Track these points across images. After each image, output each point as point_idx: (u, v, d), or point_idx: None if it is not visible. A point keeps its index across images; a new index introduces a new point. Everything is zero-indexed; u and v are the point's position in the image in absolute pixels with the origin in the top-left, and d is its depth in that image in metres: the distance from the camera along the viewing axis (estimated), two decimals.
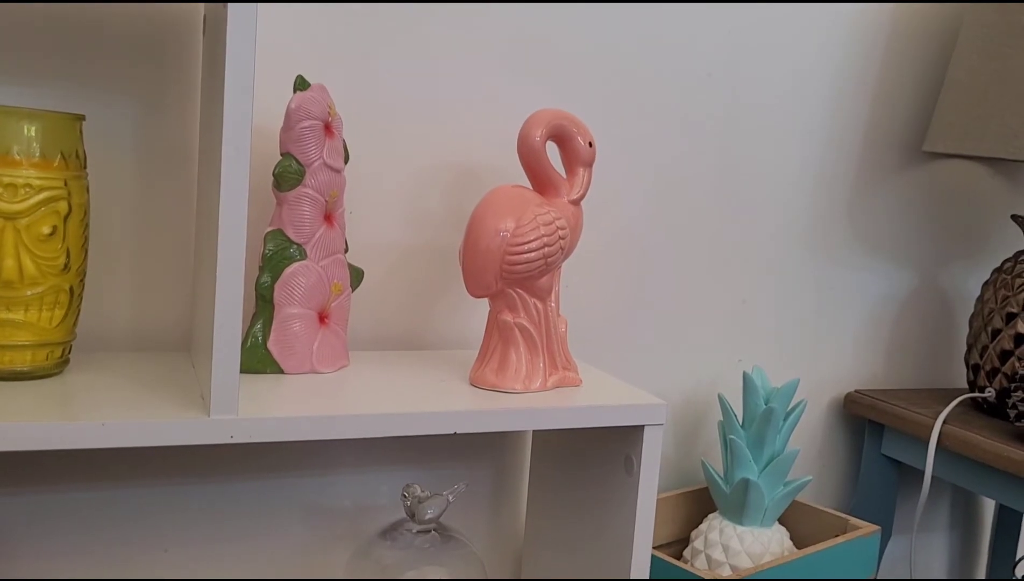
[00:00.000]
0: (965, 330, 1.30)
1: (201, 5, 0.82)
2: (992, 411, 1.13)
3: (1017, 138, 1.01)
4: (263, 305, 0.79)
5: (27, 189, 0.66)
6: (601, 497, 0.84)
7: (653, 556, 0.91)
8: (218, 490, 0.90)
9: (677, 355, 1.11)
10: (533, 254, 0.77)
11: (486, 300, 0.82)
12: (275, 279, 0.78)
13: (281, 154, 0.77)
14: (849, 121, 1.16)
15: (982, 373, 1.13)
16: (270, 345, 0.78)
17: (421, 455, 0.98)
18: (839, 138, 1.16)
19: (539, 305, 0.80)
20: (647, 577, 0.80)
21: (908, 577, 1.31)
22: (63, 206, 0.68)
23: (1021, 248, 1.30)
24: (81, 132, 0.71)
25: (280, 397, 0.72)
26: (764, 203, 1.13)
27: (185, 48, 0.83)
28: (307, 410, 0.68)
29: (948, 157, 1.24)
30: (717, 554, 1.00)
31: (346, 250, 0.83)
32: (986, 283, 1.16)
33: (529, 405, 0.76)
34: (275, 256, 0.78)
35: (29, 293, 0.68)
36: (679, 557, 1.06)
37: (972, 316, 1.17)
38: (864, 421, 1.22)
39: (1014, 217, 1.17)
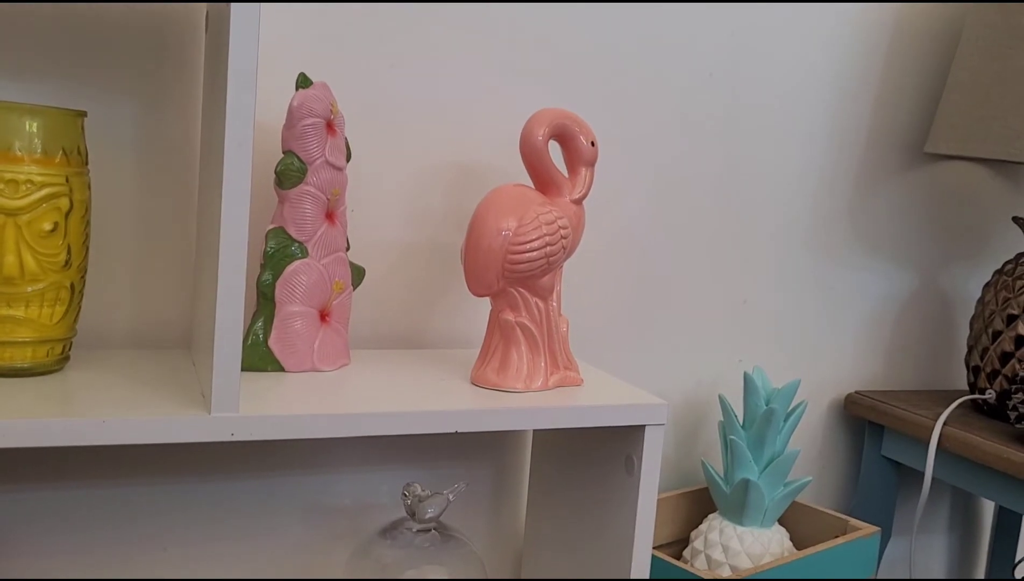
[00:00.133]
0: (966, 332, 1.30)
1: (203, 4, 0.81)
2: (992, 413, 1.13)
3: (1019, 140, 1.01)
4: (264, 303, 0.78)
5: (28, 185, 0.66)
6: (601, 497, 0.83)
7: (653, 556, 0.91)
8: (218, 488, 0.89)
9: (678, 355, 1.11)
10: (535, 253, 0.77)
11: (487, 299, 0.82)
12: (276, 277, 0.78)
13: (283, 152, 0.77)
14: (851, 122, 1.16)
15: (982, 375, 1.13)
16: (271, 343, 0.78)
17: (421, 454, 0.98)
18: (840, 139, 1.16)
19: (541, 304, 0.80)
20: (647, 577, 0.80)
21: (908, 578, 1.31)
22: (64, 202, 0.68)
23: (1022, 250, 1.30)
24: (83, 128, 0.71)
25: (281, 395, 0.71)
26: (765, 203, 1.13)
27: (187, 45, 0.83)
28: (308, 408, 0.68)
29: (950, 158, 1.24)
30: (717, 554, 1.00)
31: (347, 248, 0.83)
32: (987, 285, 1.16)
33: (530, 404, 0.76)
34: (276, 254, 0.78)
35: (30, 289, 0.67)
36: (679, 557, 1.06)
37: (973, 318, 1.17)
38: (864, 422, 1.22)
39: (1015, 219, 1.17)
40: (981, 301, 1.16)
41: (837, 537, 1.03)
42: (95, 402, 0.65)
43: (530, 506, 0.98)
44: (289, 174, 0.77)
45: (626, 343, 1.08)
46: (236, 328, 0.63)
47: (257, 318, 0.79)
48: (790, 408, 1.03)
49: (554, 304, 0.81)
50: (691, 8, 1.03)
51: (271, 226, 0.78)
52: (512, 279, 0.78)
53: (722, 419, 1.04)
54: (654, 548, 0.95)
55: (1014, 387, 1.04)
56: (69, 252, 0.69)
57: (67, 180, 0.68)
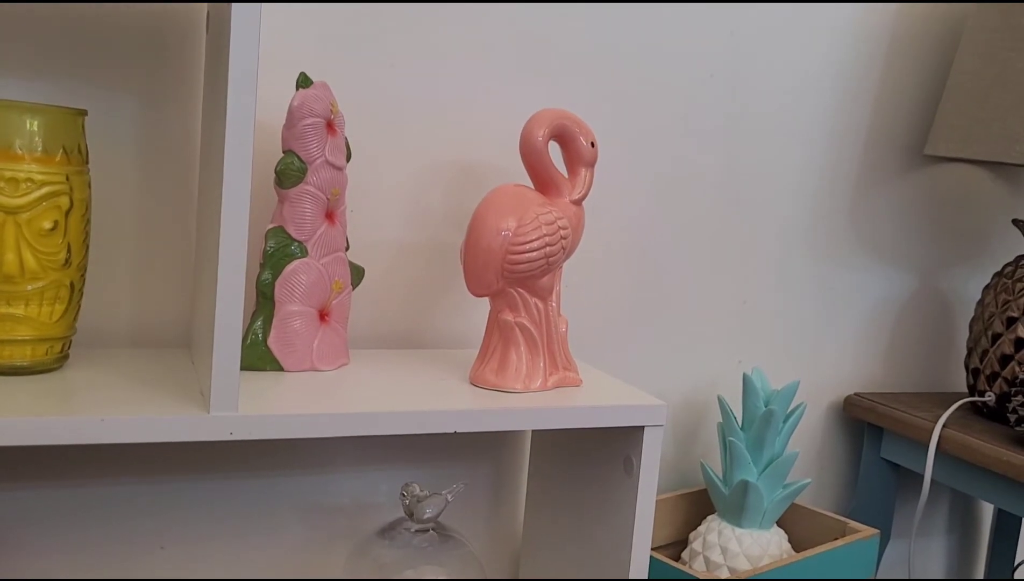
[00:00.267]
0: (965, 334, 1.30)
1: (204, 4, 0.82)
2: (992, 415, 1.13)
3: (1019, 142, 1.01)
4: (264, 302, 0.78)
5: (28, 184, 0.66)
6: (600, 498, 0.83)
7: (651, 557, 0.91)
8: (217, 487, 0.89)
9: (677, 356, 1.11)
10: (534, 254, 0.77)
11: (487, 299, 0.82)
12: (276, 276, 0.78)
13: (283, 151, 0.77)
14: (851, 123, 1.16)
15: (982, 377, 1.13)
16: (270, 342, 0.78)
17: (420, 454, 0.98)
18: (840, 140, 1.16)
19: (540, 305, 0.80)
20: (645, 578, 0.80)
21: (907, 580, 1.31)
22: (64, 201, 0.68)
23: (1022, 252, 1.30)
24: (83, 127, 0.71)
25: (280, 394, 0.71)
26: (765, 205, 1.13)
27: (187, 45, 0.83)
28: (307, 408, 0.68)
29: (949, 160, 1.24)
30: (715, 556, 1.00)
31: (347, 248, 0.83)
32: (986, 287, 1.16)
33: (529, 405, 0.76)
34: (276, 253, 0.78)
35: (29, 288, 0.68)
36: (677, 559, 1.06)
37: (972, 320, 1.17)
38: (863, 424, 1.22)
39: (1015, 221, 1.17)
40: (981, 303, 1.16)
41: (836, 539, 1.03)
42: (94, 401, 0.65)
43: (529, 507, 0.98)
44: (289, 174, 0.77)
45: (625, 343, 1.08)
46: (235, 327, 0.63)
47: (256, 317, 0.79)
48: (789, 409, 1.03)
49: (553, 304, 0.81)
50: (691, 9, 1.03)
51: (271, 225, 0.78)
52: (511, 279, 0.78)
53: (721, 420, 1.04)
54: (652, 549, 0.95)
55: (1013, 390, 1.04)
56: (69, 251, 0.69)
57: (67, 179, 0.68)
